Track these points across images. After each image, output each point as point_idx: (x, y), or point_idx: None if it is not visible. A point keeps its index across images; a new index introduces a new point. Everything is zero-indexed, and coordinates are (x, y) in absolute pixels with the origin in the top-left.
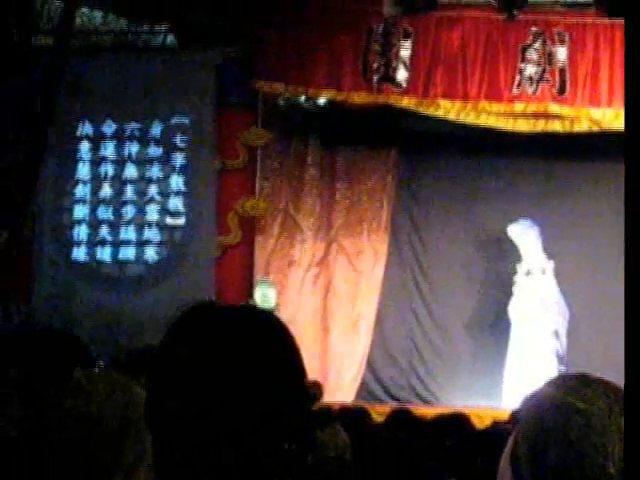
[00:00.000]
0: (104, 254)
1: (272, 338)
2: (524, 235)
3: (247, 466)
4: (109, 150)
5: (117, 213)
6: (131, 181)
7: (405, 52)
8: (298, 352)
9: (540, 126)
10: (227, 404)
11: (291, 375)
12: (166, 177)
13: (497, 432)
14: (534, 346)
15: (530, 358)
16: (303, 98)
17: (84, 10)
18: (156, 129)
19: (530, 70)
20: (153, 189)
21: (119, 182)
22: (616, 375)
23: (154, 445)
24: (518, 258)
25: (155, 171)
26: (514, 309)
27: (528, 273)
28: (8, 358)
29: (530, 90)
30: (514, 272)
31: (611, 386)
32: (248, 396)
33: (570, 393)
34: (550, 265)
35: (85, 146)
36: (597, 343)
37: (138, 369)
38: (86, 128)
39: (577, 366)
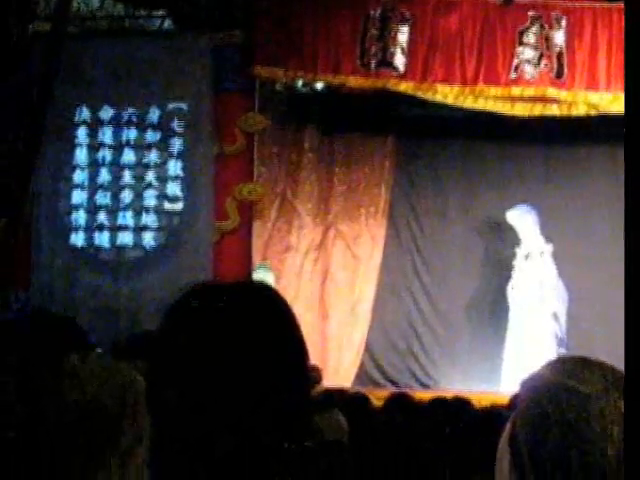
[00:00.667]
0: (102, 239)
1: (272, 320)
2: (522, 219)
3: (244, 458)
4: (107, 135)
5: (115, 198)
6: (129, 166)
7: (403, 37)
8: (299, 331)
9: (538, 110)
10: (225, 395)
11: (292, 359)
12: (164, 162)
13: (496, 415)
14: (533, 329)
15: (529, 341)
16: (300, 83)
17: None
18: (154, 114)
19: (528, 54)
20: (151, 174)
21: (117, 167)
22: (615, 358)
23: (153, 432)
24: (517, 242)
25: (153, 156)
26: (513, 292)
27: (527, 256)
28: (5, 343)
29: (528, 74)
30: (513, 256)
31: (609, 368)
32: (247, 385)
33: (568, 376)
34: (549, 248)
35: (83, 132)
36: (596, 326)
37: (137, 355)
38: (84, 113)
39: (576, 349)
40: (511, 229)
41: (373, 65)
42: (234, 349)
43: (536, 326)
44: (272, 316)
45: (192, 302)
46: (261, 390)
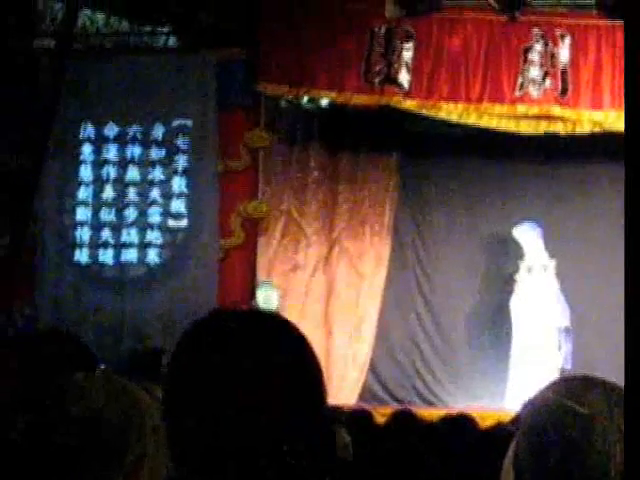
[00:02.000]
0: (106, 256)
1: (288, 347)
2: (527, 235)
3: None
4: (111, 152)
5: (119, 215)
6: (133, 183)
7: (407, 54)
8: (317, 363)
9: (542, 127)
10: (243, 422)
11: (310, 391)
12: (168, 179)
13: (501, 433)
14: (536, 345)
15: (533, 358)
16: (305, 100)
17: (86, 12)
18: (158, 131)
19: (532, 72)
20: (155, 191)
21: (121, 184)
22: (619, 374)
23: (172, 452)
24: (521, 260)
25: (157, 173)
26: (515, 307)
27: (529, 270)
28: (11, 359)
29: (532, 92)
30: (516, 272)
31: (612, 387)
32: (264, 414)
33: (570, 397)
34: (552, 264)
35: (87, 148)
36: (600, 342)
37: (141, 371)
38: (88, 130)
39: (580, 365)
40: (516, 247)
41: (377, 82)
42: (250, 377)
43: (539, 342)
44: (288, 343)
45: (206, 330)
46: (277, 418)
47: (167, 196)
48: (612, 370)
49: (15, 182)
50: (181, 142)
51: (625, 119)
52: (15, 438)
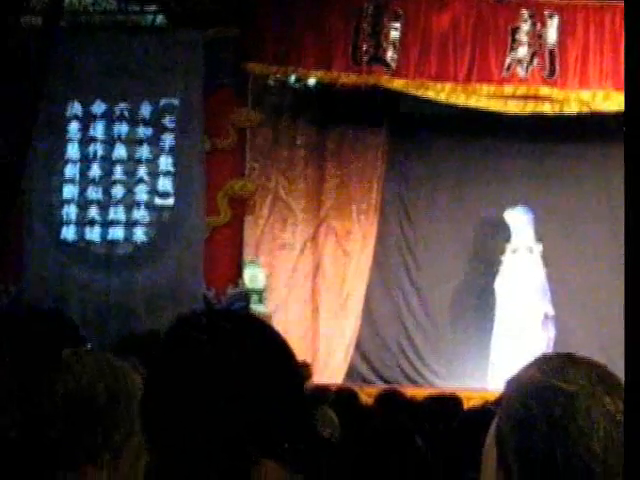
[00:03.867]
0: (93, 234)
1: (268, 356)
2: (518, 219)
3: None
4: (98, 130)
5: (106, 193)
6: (120, 161)
7: (395, 33)
8: (295, 364)
9: (530, 108)
10: (230, 415)
11: (287, 377)
12: (155, 158)
13: (488, 412)
14: (519, 326)
15: (516, 338)
16: (293, 79)
17: None
18: (145, 109)
19: (520, 52)
20: (142, 169)
21: (108, 162)
22: (600, 356)
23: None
24: (508, 241)
25: (144, 152)
26: (500, 288)
27: (515, 252)
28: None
29: (520, 72)
30: (502, 254)
31: (595, 365)
32: (251, 404)
33: (554, 374)
34: (538, 247)
35: (74, 126)
36: (583, 323)
37: (135, 352)
38: (75, 108)
39: (563, 346)
40: (503, 227)
41: (365, 61)
42: (231, 369)
43: (522, 323)
44: (259, 335)
45: (184, 335)
46: (260, 406)
47: (154, 174)
48: (594, 354)
49: (3, 159)
50: (168, 121)
51: (625, 103)
52: (10, 421)
